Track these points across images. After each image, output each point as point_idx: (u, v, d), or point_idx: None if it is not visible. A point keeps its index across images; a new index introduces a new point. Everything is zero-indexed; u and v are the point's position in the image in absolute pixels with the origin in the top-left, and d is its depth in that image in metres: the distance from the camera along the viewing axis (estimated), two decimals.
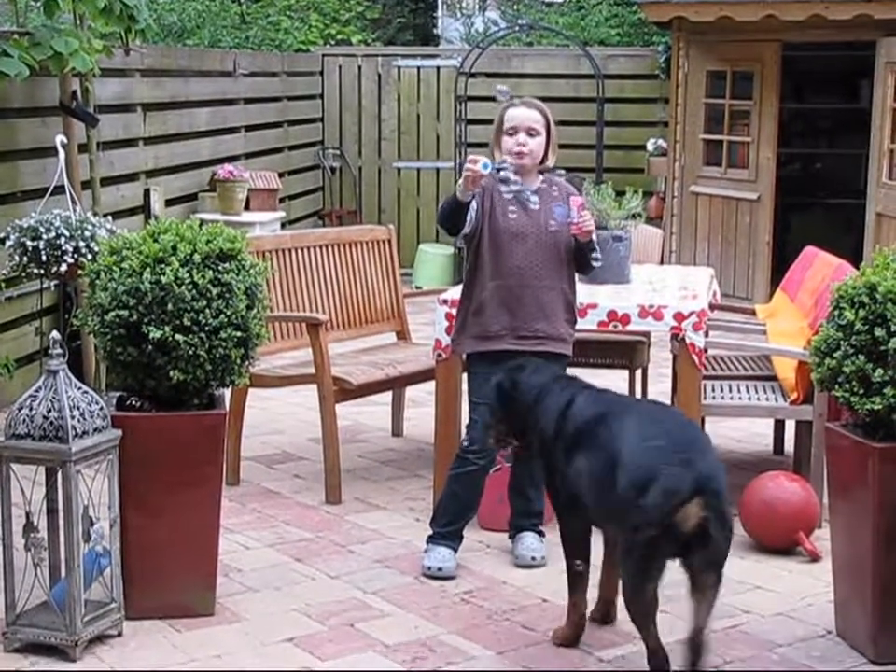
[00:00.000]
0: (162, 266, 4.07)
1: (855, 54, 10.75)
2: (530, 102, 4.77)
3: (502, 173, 4.58)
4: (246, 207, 9.46)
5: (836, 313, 4.01)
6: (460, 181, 4.49)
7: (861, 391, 3.88)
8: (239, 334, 4.14)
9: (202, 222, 4.37)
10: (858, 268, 4.20)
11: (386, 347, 6.38)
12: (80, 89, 6.75)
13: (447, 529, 4.73)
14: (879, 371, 3.82)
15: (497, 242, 4.63)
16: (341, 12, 14.10)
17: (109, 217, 6.37)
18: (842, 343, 3.93)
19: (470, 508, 4.78)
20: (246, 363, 4.28)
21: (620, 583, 3.88)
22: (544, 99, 4.98)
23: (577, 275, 4.81)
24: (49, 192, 6.22)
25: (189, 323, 4.04)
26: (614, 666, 3.95)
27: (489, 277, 4.65)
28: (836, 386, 3.98)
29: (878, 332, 3.83)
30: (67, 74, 6.48)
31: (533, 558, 4.75)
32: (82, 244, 5.83)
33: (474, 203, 4.59)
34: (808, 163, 12.55)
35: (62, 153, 6.25)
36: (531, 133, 4.64)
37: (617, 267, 5.59)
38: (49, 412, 3.88)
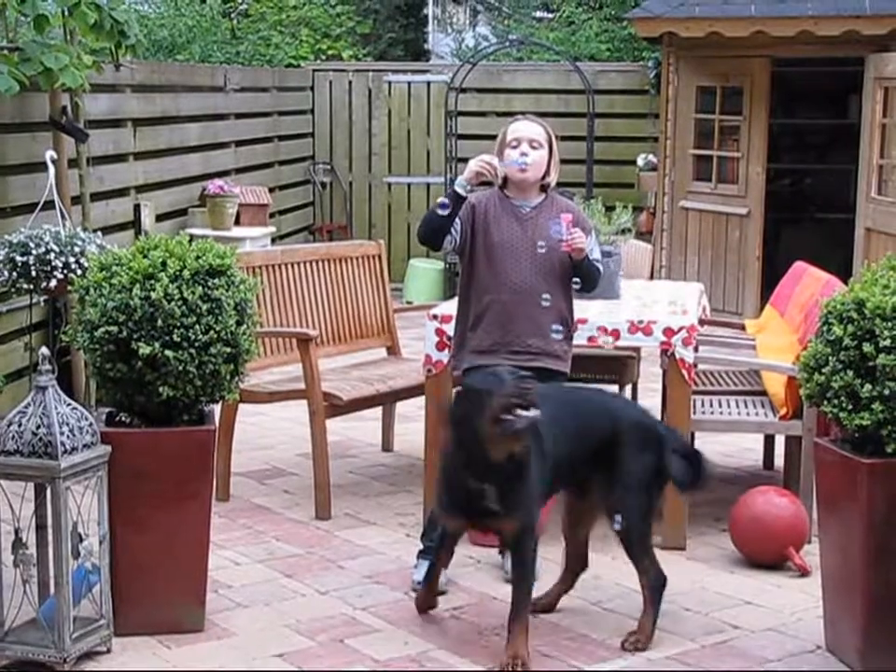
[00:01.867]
0: (152, 282, 4.06)
1: (844, 70, 10.79)
2: (533, 118, 4.80)
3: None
4: (237, 222, 9.46)
5: (825, 328, 4.02)
6: (463, 177, 4.54)
7: (850, 407, 3.89)
8: (229, 350, 4.14)
9: (191, 238, 4.37)
10: (847, 283, 4.21)
11: (377, 363, 6.38)
12: (70, 104, 6.75)
13: (437, 544, 4.72)
14: (868, 386, 3.83)
15: (492, 257, 4.64)
16: (332, 27, 14.13)
17: (99, 233, 6.37)
18: (830, 358, 3.94)
19: None
20: (236, 379, 4.27)
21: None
22: (535, 114, 5.00)
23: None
24: (39, 208, 6.21)
25: (178, 339, 4.04)
26: None
27: (483, 292, 4.66)
28: (825, 402, 3.99)
29: (867, 348, 3.84)
30: (57, 89, 6.48)
31: None
32: (72, 259, 5.82)
33: (457, 221, 4.61)
34: (798, 179, 12.58)
35: (51, 168, 6.24)
36: (534, 145, 4.66)
37: (607, 282, 5.59)
38: (38, 428, 3.87)
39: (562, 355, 4.73)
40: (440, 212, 4.57)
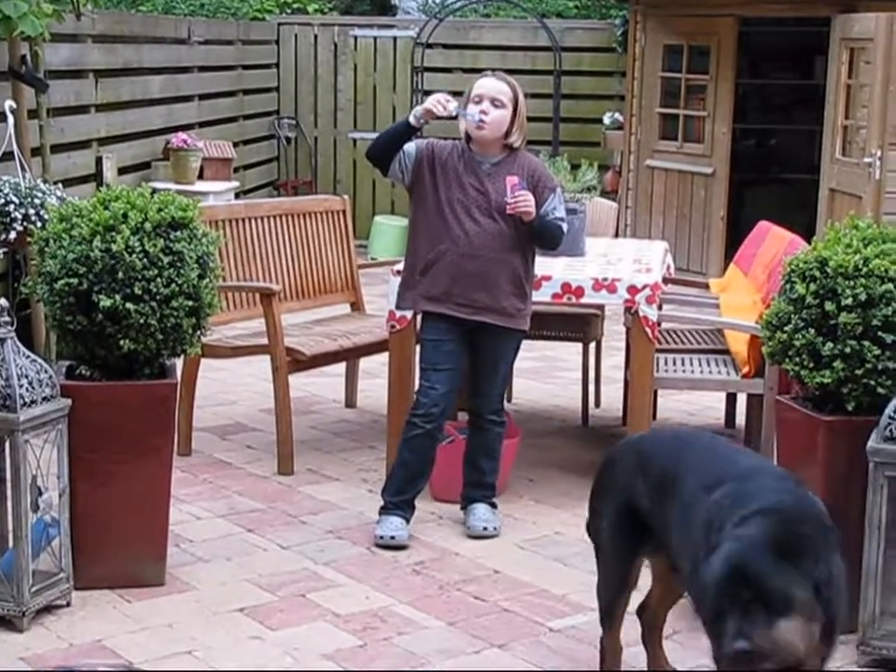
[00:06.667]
0: (113, 234, 4.02)
1: (810, 30, 10.80)
2: (502, 76, 4.77)
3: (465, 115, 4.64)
4: (200, 177, 9.38)
5: (788, 287, 4.04)
6: (419, 107, 4.59)
7: (812, 364, 3.91)
8: (191, 303, 4.10)
9: (153, 190, 4.32)
10: (810, 243, 4.23)
11: (340, 318, 6.36)
12: (30, 54, 6.65)
13: (398, 498, 4.73)
14: (829, 344, 3.85)
15: (448, 207, 4.64)
16: None
17: (60, 185, 6.30)
18: (793, 316, 3.96)
19: (421, 476, 4.78)
20: (198, 333, 4.24)
21: None
22: (501, 71, 4.96)
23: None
24: None
25: (140, 292, 4.00)
26: (566, 636, 3.98)
27: (436, 241, 4.67)
28: (787, 360, 4.01)
29: (829, 306, 3.86)
30: (16, 38, 6.38)
31: (485, 528, 4.76)
32: (32, 211, 5.75)
33: (412, 151, 4.63)
34: (763, 139, 12.61)
35: (10, 119, 6.16)
36: (496, 103, 4.64)
37: (572, 240, 5.57)
38: None
39: (514, 313, 4.72)
40: (390, 131, 4.67)
